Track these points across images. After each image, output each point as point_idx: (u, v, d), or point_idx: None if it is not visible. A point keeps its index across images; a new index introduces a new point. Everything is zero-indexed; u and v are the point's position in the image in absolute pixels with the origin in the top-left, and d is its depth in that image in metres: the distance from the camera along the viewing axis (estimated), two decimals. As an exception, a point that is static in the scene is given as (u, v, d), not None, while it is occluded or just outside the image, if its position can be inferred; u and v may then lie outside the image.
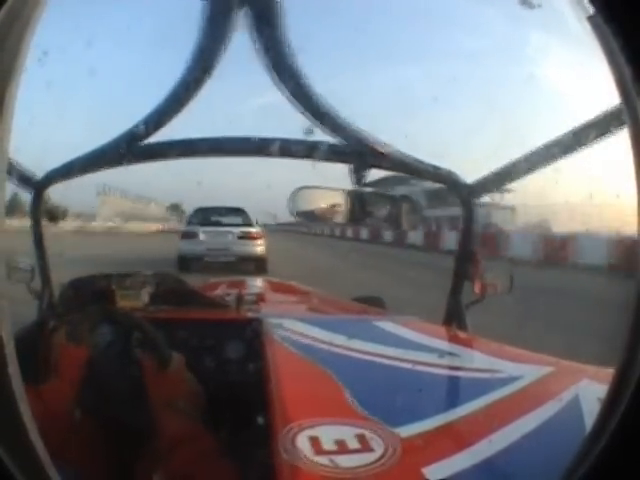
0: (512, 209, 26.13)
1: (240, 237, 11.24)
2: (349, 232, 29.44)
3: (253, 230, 11.41)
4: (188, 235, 11.41)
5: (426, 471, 0.80)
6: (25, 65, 0.48)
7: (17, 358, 0.48)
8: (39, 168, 1.86)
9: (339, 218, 1.76)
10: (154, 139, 1.61)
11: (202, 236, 11.25)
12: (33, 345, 1.33)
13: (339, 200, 1.74)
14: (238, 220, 11.88)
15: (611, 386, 0.53)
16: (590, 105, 1.28)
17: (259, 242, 11.20)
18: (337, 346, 1.39)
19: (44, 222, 2.06)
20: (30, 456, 0.48)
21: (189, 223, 12.20)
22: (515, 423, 0.95)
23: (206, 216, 11.93)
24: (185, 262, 10.69)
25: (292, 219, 1.84)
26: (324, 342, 1.43)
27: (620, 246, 12.13)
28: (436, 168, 1.89)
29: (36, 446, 0.48)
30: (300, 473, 0.80)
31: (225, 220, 11.97)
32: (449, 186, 1.95)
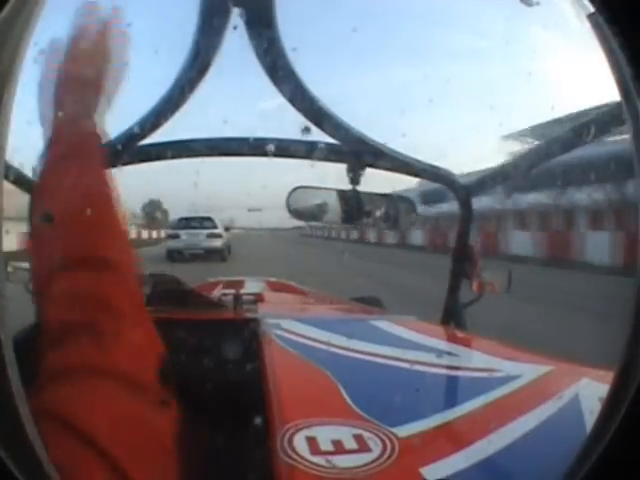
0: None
1: (208, 236, 16.40)
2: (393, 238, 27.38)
3: (216, 231, 16.62)
4: (173, 236, 16.76)
5: (424, 471, 0.80)
6: (24, 65, 0.48)
7: (16, 359, 0.48)
8: (37, 169, 1.84)
9: (335, 218, 1.76)
10: (150, 140, 1.61)
11: (183, 236, 16.46)
12: (32, 346, 1.32)
13: (335, 200, 1.74)
14: (208, 224, 16.81)
15: (612, 386, 0.53)
16: (590, 104, 1.29)
17: (219, 239, 16.30)
18: (335, 346, 1.39)
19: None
20: (30, 456, 0.48)
21: (174, 228, 17.27)
22: (514, 422, 0.95)
23: (186, 222, 16.88)
24: (171, 254, 15.47)
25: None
26: (321, 342, 1.43)
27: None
28: (434, 168, 1.89)
29: (36, 446, 0.48)
30: (297, 473, 0.80)
31: (199, 225, 16.78)
32: (447, 186, 1.95)
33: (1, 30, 0.45)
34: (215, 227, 16.84)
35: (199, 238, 16.30)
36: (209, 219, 16.94)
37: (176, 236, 16.59)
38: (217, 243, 16.26)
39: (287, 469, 0.81)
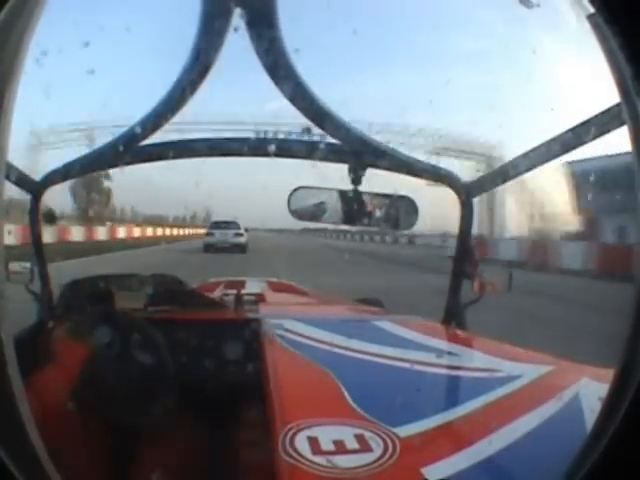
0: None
1: (234, 235, 22.53)
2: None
3: (240, 231, 22.77)
4: (210, 234, 22.96)
5: (425, 471, 0.80)
6: (25, 65, 0.48)
7: (17, 358, 0.48)
8: (37, 169, 1.85)
9: (336, 218, 1.76)
10: (152, 140, 1.61)
11: (217, 235, 22.61)
12: (33, 345, 1.33)
13: (336, 200, 1.74)
14: (234, 226, 23.05)
15: (612, 386, 0.53)
16: (589, 104, 1.28)
17: (242, 237, 22.48)
18: (336, 346, 1.39)
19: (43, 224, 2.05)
20: (30, 455, 0.48)
21: (210, 228, 24.00)
22: (515, 422, 0.95)
23: (218, 225, 23.56)
24: (207, 247, 21.32)
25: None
26: (323, 342, 1.43)
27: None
28: (434, 167, 1.89)
29: (36, 446, 0.48)
30: (299, 473, 0.80)
31: (227, 226, 23.11)
32: (447, 186, 1.95)
33: (1, 31, 0.45)
34: (239, 228, 23.15)
35: (228, 236, 22.52)
36: (234, 222, 23.49)
37: (212, 234, 23.05)
38: (241, 240, 22.47)
39: (289, 469, 0.81)
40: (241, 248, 21.69)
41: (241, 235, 22.85)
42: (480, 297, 1.95)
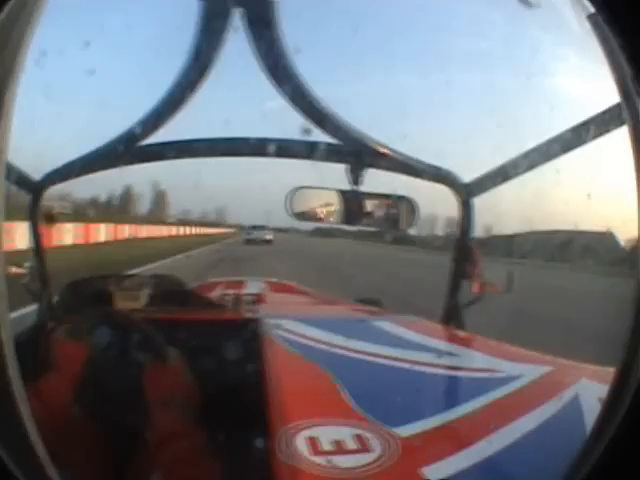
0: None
1: (264, 234, 31.63)
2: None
3: (268, 231, 31.96)
4: (249, 233, 32.71)
5: (425, 471, 0.80)
6: (24, 66, 0.48)
7: (17, 359, 0.48)
8: (37, 169, 1.85)
9: (336, 218, 1.76)
10: (152, 140, 1.61)
11: (254, 233, 32.01)
12: (32, 346, 1.33)
13: (336, 200, 1.73)
14: (264, 228, 32.46)
15: (612, 386, 0.53)
16: (590, 104, 1.29)
17: (270, 235, 31.74)
18: (336, 346, 1.39)
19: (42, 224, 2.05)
20: (30, 456, 0.48)
21: (249, 229, 33.82)
22: (515, 423, 0.95)
23: (254, 227, 32.92)
24: (248, 241, 30.04)
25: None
26: (322, 342, 1.43)
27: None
28: (435, 168, 1.89)
29: (36, 446, 0.48)
30: (298, 474, 0.79)
31: (259, 228, 32.53)
32: (447, 186, 1.95)
33: (1, 31, 0.45)
34: (268, 229, 32.93)
35: (260, 235, 31.57)
36: (264, 226, 33.69)
37: (251, 233, 32.31)
38: (268, 237, 31.62)
39: (288, 469, 0.81)
40: (268, 242, 31.43)
41: (268, 234, 32.63)
42: (480, 297, 1.95)
